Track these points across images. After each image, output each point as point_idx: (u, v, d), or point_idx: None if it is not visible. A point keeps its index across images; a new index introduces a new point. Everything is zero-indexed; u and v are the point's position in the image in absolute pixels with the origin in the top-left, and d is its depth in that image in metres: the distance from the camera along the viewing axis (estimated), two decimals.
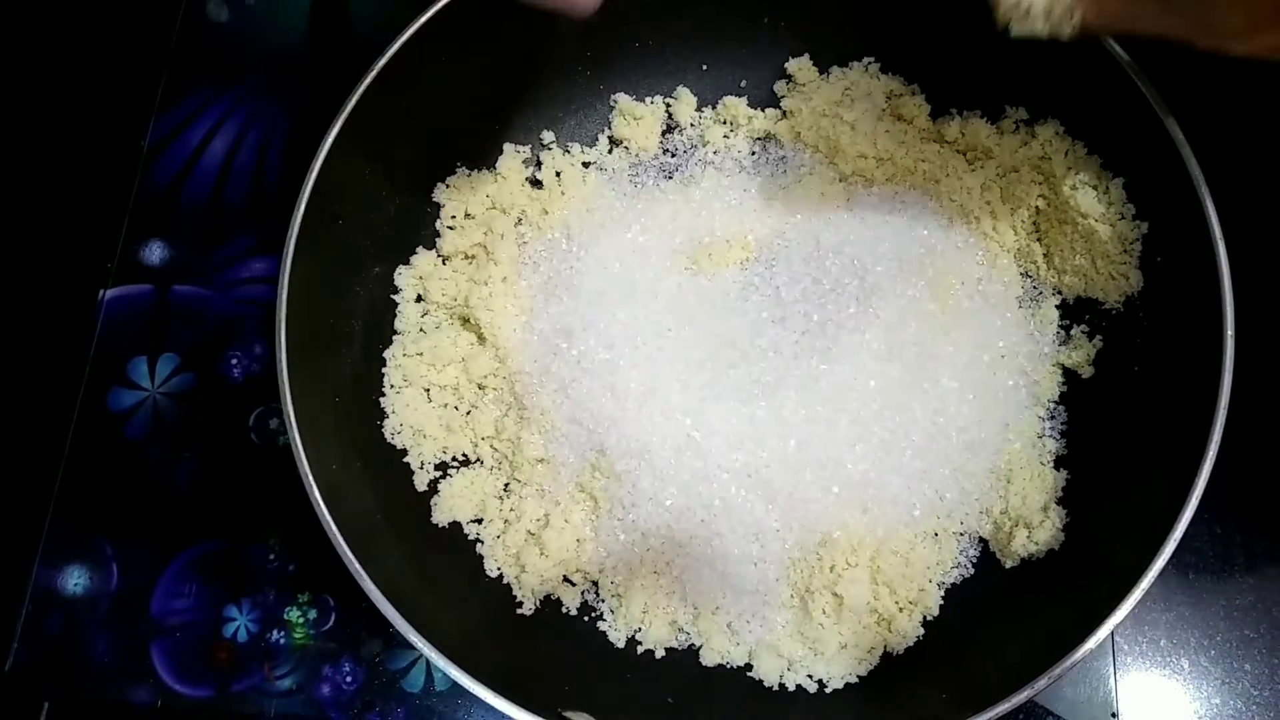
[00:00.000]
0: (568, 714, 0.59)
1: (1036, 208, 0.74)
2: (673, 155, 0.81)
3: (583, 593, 0.71)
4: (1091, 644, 0.57)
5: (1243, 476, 0.75)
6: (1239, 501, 0.75)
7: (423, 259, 0.77)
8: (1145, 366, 0.69)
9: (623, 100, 0.81)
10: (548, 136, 0.81)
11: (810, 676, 0.68)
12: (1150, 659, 0.72)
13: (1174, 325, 0.67)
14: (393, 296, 0.76)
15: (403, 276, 0.76)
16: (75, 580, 0.77)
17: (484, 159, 0.79)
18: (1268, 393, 0.76)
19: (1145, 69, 0.66)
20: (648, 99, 0.81)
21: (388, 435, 0.73)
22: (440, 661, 0.59)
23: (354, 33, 0.93)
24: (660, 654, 0.69)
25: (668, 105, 0.81)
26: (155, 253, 0.86)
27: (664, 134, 0.81)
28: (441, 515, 0.71)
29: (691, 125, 0.81)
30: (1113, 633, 0.71)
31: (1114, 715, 0.71)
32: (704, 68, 0.81)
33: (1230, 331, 0.59)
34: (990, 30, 0.71)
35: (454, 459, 0.74)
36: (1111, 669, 0.72)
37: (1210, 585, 0.74)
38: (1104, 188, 0.71)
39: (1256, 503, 0.75)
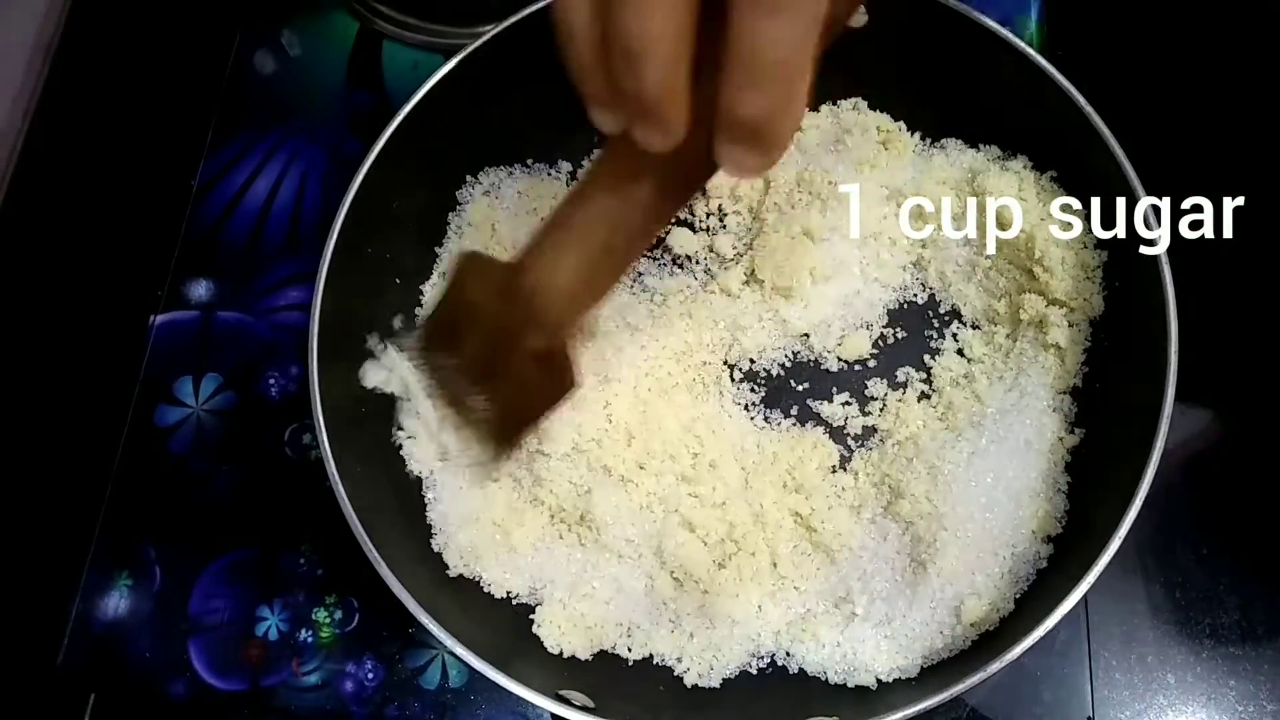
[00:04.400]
0: (564, 693, 0.62)
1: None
2: None
3: None
4: (1029, 642, 0.59)
5: (1230, 498, 0.78)
6: (1225, 522, 0.77)
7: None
8: (1105, 383, 0.73)
9: None
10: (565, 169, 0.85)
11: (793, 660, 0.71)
12: (1136, 673, 0.73)
13: (1128, 344, 0.70)
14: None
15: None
16: (122, 582, 0.81)
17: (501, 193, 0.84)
18: (1252, 418, 0.79)
19: (1103, 112, 0.70)
20: None
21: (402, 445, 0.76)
22: (459, 650, 0.62)
23: (386, 81, 0.97)
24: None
25: None
26: (201, 286, 0.90)
27: None
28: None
29: None
30: (1089, 643, 0.74)
31: (1090, 718, 0.73)
32: None
33: (1174, 347, 0.63)
34: (967, 75, 0.77)
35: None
36: (1089, 681, 0.73)
37: (1197, 604, 0.75)
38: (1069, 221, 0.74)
39: (1242, 524, 0.77)
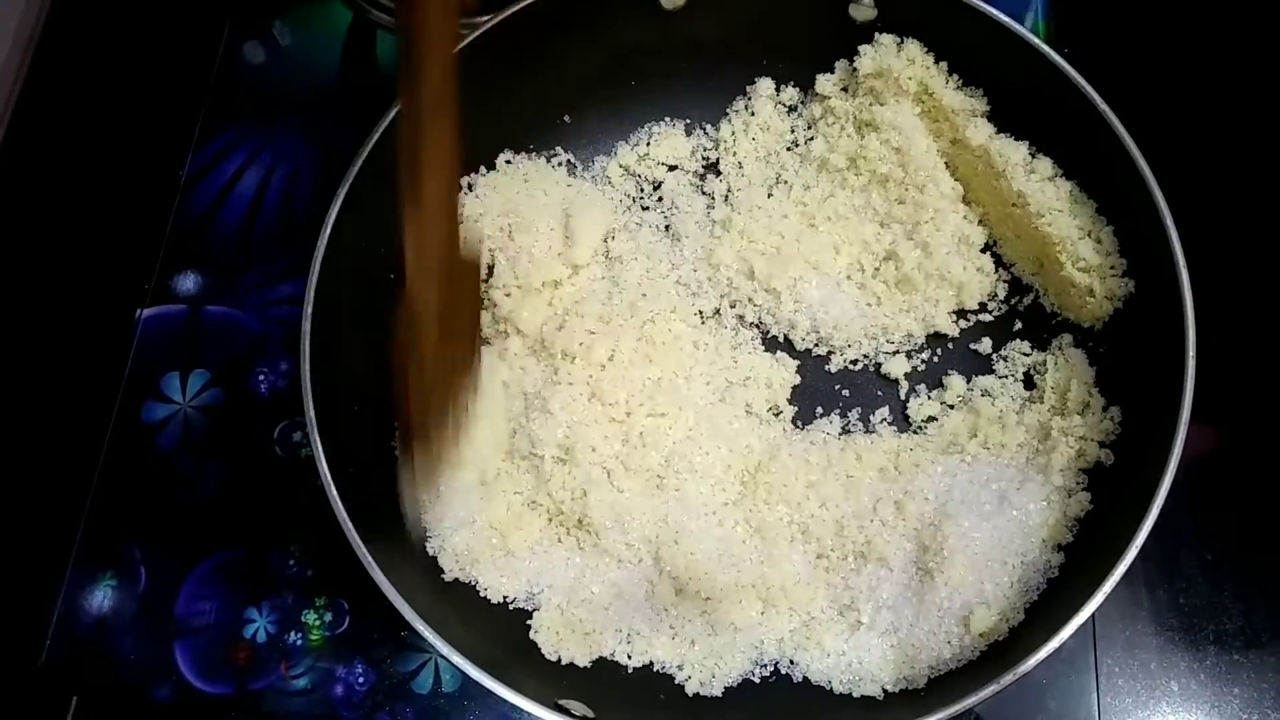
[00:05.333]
0: (563, 702, 0.61)
1: None
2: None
3: None
4: (1042, 654, 0.58)
5: (1233, 506, 0.77)
6: (1230, 529, 0.77)
7: None
8: (1118, 392, 0.72)
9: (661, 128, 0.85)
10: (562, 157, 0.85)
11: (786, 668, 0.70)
12: (1140, 681, 0.73)
13: (1143, 353, 0.70)
14: None
15: None
16: (106, 582, 0.80)
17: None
18: (1255, 427, 0.79)
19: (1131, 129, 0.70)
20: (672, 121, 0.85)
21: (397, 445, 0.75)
22: (455, 657, 0.61)
23: (380, 72, 0.97)
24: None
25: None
26: (190, 280, 0.89)
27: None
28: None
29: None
30: (1095, 650, 0.73)
31: None
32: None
33: (1191, 353, 0.62)
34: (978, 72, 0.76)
35: None
36: (1095, 689, 0.73)
37: (1201, 610, 0.75)
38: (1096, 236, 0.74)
39: (1245, 531, 0.77)
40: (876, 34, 0.78)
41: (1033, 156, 0.75)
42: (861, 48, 0.78)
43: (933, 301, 0.78)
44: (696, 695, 0.69)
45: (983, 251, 0.79)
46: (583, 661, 0.70)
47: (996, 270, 0.79)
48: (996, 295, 0.79)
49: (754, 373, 0.78)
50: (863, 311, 0.78)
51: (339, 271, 0.71)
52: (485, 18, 0.74)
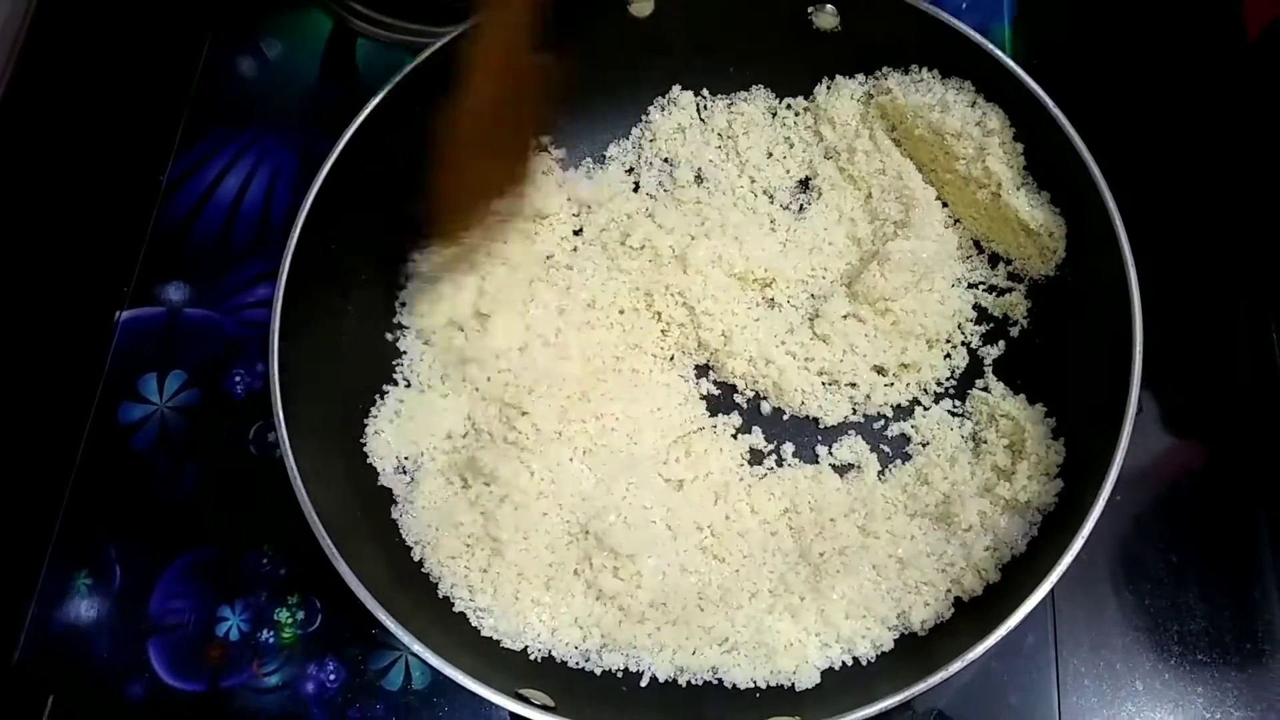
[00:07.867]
0: (524, 691, 0.62)
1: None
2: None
3: None
4: (990, 641, 0.59)
5: (1199, 508, 0.78)
6: (1194, 531, 0.77)
7: None
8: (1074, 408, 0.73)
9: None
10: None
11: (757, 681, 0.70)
12: (1105, 680, 0.74)
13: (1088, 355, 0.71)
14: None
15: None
16: (81, 581, 0.80)
17: None
18: (1225, 425, 0.80)
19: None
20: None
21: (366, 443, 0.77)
22: (417, 647, 0.62)
23: (362, 79, 0.98)
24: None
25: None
26: (168, 283, 0.90)
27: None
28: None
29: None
30: (1056, 649, 0.74)
31: None
32: None
33: (1139, 347, 0.63)
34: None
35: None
36: (1055, 687, 0.73)
37: (1165, 611, 0.75)
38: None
39: (1211, 533, 0.78)
40: (826, 81, 0.80)
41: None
42: (816, 89, 0.81)
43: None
44: (658, 687, 0.70)
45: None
46: (547, 654, 0.70)
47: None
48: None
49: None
50: None
51: (309, 275, 0.72)
52: (451, 27, 0.75)
